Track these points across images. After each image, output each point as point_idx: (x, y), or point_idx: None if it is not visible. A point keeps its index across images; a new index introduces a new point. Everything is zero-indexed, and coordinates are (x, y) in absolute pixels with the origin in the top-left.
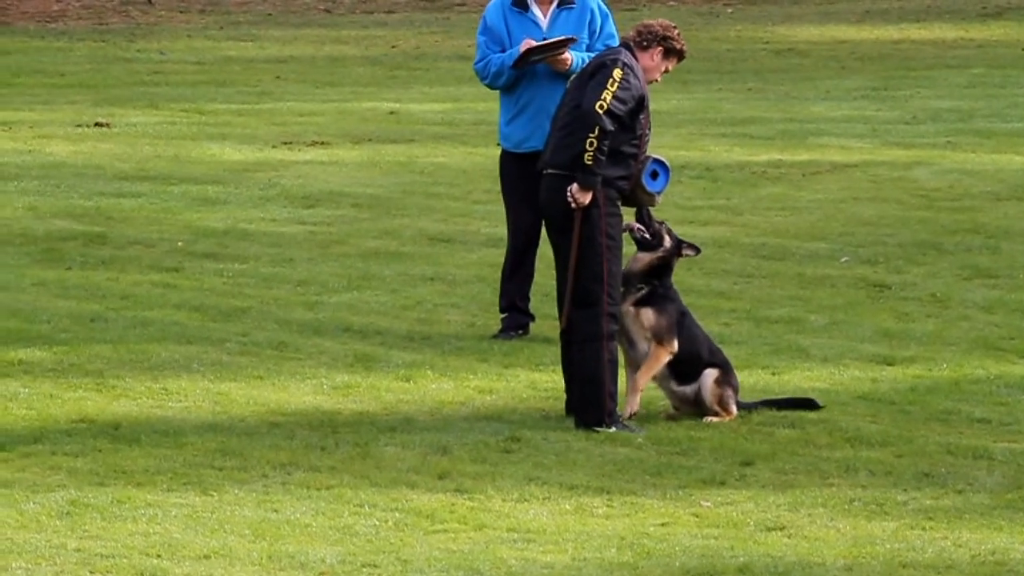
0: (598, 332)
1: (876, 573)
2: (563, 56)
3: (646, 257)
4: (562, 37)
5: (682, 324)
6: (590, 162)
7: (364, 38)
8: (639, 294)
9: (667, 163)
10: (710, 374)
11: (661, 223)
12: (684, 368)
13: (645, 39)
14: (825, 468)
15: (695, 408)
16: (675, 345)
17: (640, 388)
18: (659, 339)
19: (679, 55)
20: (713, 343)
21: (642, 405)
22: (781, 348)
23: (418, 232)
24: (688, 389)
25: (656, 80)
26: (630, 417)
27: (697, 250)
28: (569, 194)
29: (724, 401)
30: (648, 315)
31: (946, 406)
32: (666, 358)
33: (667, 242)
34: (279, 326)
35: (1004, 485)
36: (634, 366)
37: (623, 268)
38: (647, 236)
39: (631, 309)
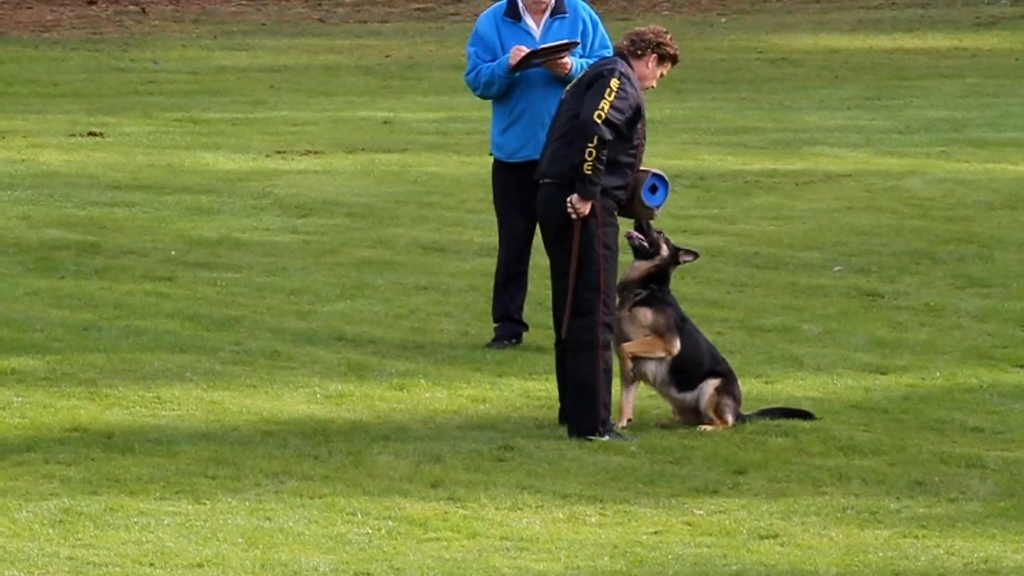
0: (593, 341)
1: None
2: (563, 60)
3: (643, 265)
4: (564, 41)
5: (683, 329)
6: (589, 172)
7: (358, 48)
8: (636, 299)
9: (666, 178)
10: (711, 383)
11: (659, 232)
12: (684, 375)
13: (639, 47)
14: (818, 476)
15: (695, 416)
16: (676, 345)
17: (626, 355)
18: (659, 335)
19: (673, 60)
20: (717, 352)
21: (635, 414)
22: (774, 357)
23: (411, 241)
24: (688, 396)
25: (652, 86)
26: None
27: (695, 255)
28: (569, 204)
29: (720, 409)
30: (646, 313)
31: (939, 415)
32: (660, 350)
33: (664, 251)
34: (272, 335)
35: (997, 493)
36: (628, 376)
37: (621, 277)
38: (645, 244)
39: (627, 312)
